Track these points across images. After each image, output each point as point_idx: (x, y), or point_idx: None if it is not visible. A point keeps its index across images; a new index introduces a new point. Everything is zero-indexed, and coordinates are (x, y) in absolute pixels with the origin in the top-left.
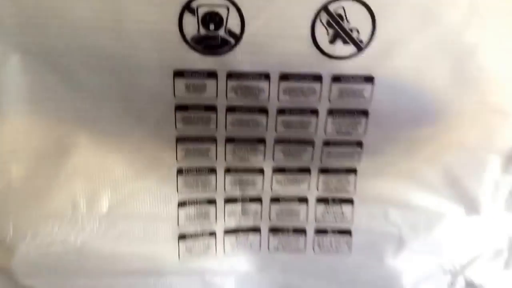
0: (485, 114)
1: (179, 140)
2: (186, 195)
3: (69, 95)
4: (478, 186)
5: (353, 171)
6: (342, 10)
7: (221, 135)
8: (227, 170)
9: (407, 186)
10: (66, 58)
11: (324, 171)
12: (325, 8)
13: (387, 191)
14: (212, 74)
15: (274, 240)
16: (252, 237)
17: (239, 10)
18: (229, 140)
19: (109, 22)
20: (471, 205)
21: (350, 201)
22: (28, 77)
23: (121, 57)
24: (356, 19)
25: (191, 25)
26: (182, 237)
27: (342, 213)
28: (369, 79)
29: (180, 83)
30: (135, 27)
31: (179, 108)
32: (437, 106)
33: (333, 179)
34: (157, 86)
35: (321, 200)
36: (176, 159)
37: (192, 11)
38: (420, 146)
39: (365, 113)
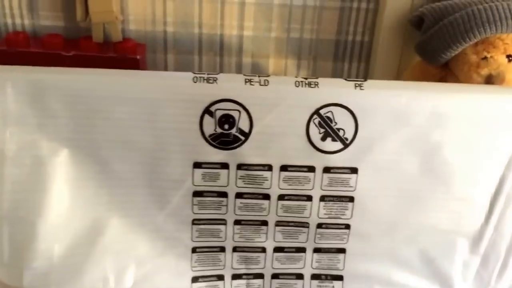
0: (452, 201)
1: (195, 222)
2: (199, 271)
3: (105, 183)
4: (450, 266)
5: (342, 250)
6: (331, 113)
7: (230, 218)
8: (235, 249)
9: (389, 265)
10: (106, 151)
11: (317, 250)
12: (317, 112)
13: (372, 269)
14: (225, 165)
15: None
16: None
17: (248, 114)
18: (237, 222)
19: (144, 121)
20: (445, 283)
21: (340, 278)
22: (73, 168)
23: (151, 150)
24: (342, 121)
25: (210, 125)
26: None
27: None
28: (354, 170)
29: (198, 173)
30: (164, 125)
31: (196, 194)
32: (411, 193)
33: (325, 257)
34: (179, 175)
35: (315, 276)
36: (191, 238)
37: (211, 114)
38: (398, 228)
39: (351, 199)
